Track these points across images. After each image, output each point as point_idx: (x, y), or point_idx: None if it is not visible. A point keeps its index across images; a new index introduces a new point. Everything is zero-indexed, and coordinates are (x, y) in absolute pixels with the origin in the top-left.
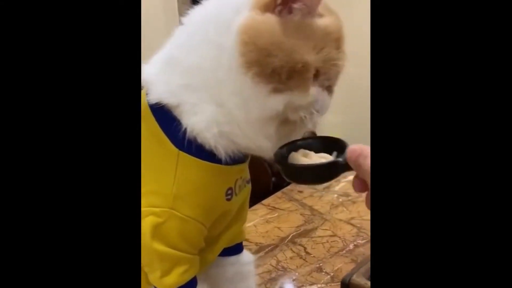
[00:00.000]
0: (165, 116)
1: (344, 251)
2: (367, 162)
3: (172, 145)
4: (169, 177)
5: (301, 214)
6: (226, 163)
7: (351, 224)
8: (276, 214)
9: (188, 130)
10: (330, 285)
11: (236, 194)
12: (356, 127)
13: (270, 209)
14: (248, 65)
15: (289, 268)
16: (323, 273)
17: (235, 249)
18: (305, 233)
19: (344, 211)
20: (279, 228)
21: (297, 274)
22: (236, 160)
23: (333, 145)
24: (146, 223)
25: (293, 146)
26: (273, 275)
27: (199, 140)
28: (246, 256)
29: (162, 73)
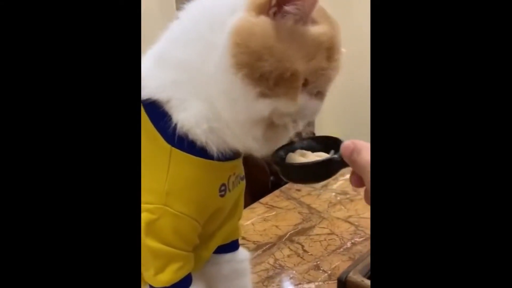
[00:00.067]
0: (156, 112)
1: (341, 249)
2: (360, 157)
3: (165, 141)
4: (162, 173)
5: (299, 213)
6: (219, 159)
7: (349, 222)
8: (274, 213)
9: (178, 125)
10: (327, 283)
11: (229, 191)
12: (356, 127)
13: (268, 207)
14: (239, 67)
15: (287, 266)
16: (321, 271)
17: (231, 246)
18: (303, 231)
19: (341, 209)
20: (277, 226)
21: (294, 272)
22: (228, 156)
23: (331, 144)
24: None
25: (291, 147)
26: (270, 273)
27: (191, 136)
28: (242, 253)
29: (154, 67)
